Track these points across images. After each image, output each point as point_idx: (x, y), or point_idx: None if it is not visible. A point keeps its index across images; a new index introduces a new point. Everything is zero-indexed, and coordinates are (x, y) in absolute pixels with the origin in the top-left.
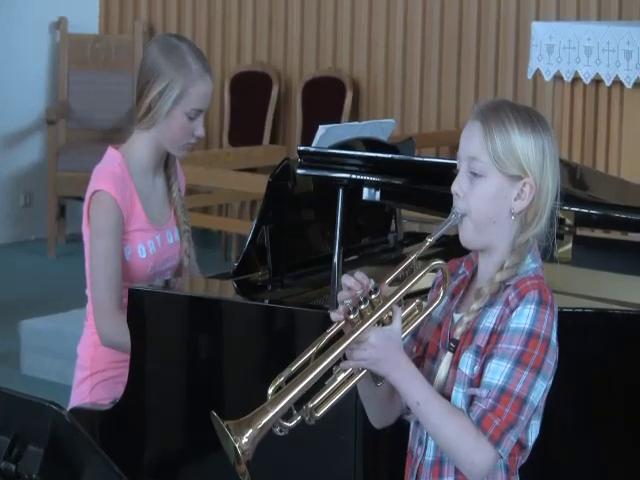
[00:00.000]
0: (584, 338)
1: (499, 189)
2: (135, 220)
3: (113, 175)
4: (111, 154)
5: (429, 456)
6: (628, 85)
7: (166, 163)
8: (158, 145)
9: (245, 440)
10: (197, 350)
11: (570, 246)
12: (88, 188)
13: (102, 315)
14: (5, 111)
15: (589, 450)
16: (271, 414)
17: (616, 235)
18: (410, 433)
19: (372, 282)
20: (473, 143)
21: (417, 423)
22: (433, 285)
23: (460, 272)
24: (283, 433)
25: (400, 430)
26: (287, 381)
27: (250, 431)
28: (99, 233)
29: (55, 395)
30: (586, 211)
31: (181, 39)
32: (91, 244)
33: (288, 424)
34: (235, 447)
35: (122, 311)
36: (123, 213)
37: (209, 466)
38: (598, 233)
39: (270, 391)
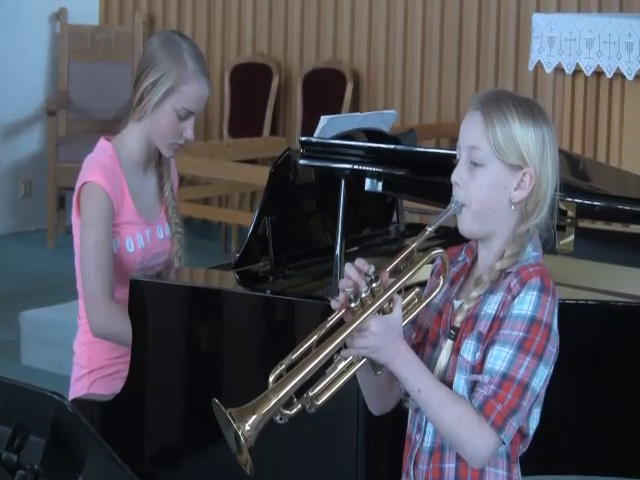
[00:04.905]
0: (586, 330)
1: (499, 178)
2: (125, 212)
3: (103, 166)
4: (102, 145)
5: (427, 442)
6: (629, 77)
7: (160, 161)
8: (148, 139)
9: (247, 427)
10: (198, 341)
11: (572, 238)
12: (78, 179)
13: (94, 305)
14: (5, 101)
15: (589, 440)
16: (273, 401)
17: (617, 227)
18: (409, 420)
19: (372, 267)
20: (473, 132)
21: (416, 410)
22: (432, 273)
23: (460, 259)
24: (283, 421)
25: (402, 417)
26: (288, 369)
27: (253, 417)
28: (89, 223)
29: (55, 386)
30: (588, 202)
31: (184, 38)
32: (82, 234)
33: (289, 412)
34: (237, 434)
35: (114, 301)
36: (113, 204)
37: (210, 456)
38: (599, 225)
39: (271, 379)
